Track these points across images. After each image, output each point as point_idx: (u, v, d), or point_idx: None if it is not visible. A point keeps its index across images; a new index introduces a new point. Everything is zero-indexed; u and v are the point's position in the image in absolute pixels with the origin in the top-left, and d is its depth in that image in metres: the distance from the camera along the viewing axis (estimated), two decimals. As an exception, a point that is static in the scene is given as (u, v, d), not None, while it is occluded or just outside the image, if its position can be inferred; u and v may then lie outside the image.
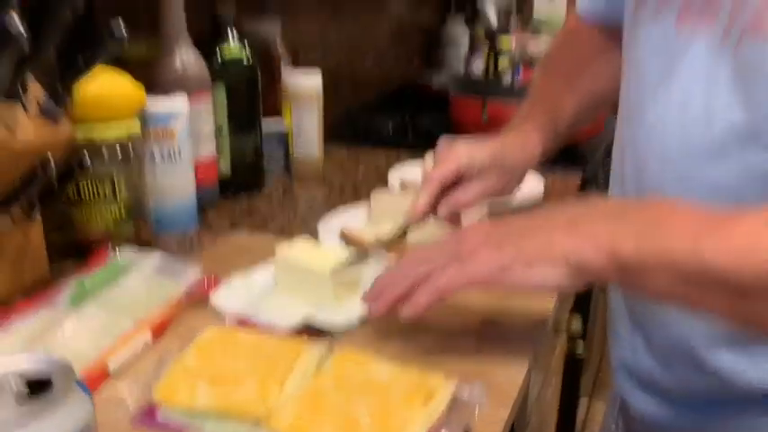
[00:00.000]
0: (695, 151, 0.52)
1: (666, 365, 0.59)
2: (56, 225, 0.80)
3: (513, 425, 0.67)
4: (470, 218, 0.75)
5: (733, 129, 0.49)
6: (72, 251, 0.76)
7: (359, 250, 0.70)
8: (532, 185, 1.01)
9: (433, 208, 0.69)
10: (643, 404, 0.63)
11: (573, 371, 1.26)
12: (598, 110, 0.82)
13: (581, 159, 1.17)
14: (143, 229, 0.78)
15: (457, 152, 0.70)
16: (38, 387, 0.31)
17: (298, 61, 1.25)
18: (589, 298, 1.27)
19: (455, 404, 0.48)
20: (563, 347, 1.17)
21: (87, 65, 0.61)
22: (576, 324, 0.99)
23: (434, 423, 0.46)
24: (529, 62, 1.87)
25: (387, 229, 0.77)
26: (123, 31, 0.60)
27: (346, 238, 0.78)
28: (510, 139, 0.73)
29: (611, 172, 0.66)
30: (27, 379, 0.32)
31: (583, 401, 1.44)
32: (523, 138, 0.74)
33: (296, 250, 0.66)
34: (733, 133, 0.49)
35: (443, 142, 0.73)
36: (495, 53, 1.95)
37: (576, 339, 1.17)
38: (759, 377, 0.53)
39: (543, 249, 0.48)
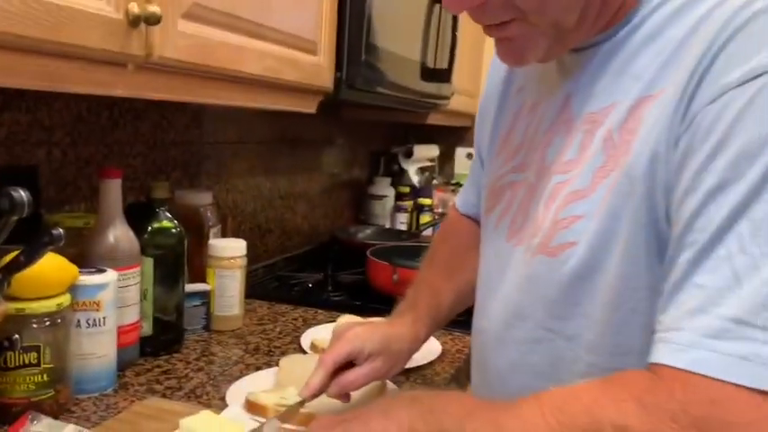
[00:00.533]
0: (519, 341, 0.66)
1: None
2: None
3: None
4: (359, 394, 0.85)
5: (538, 324, 0.65)
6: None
7: (264, 415, 0.79)
8: (432, 347, 1.13)
9: (325, 386, 0.78)
10: None
11: None
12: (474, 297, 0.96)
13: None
14: (62, 393, 0.85)
15: (350, 337, 0.81)
16: None
17: (226, 228, 1.37)
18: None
19: None
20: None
21: (28, 260, 0.72)
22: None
23: None
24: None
25: (290, 394, 0.87)
26: (61, 233, 0.71)
27: (250, 405, 0.87)
28: (396, 327, 0.85)
29: (471, 349, 0.79)
30: None
31: None
32: (408, 327, 0.86)
33: (200, 420, 0.74)
34: (540, 327, 0.65)
35: (341, 326, 0.85)
36: (417, 210, 2.14)
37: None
38: None
39: (363, 430, 0.60)
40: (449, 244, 0.96)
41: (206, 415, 0.76)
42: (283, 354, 1.10)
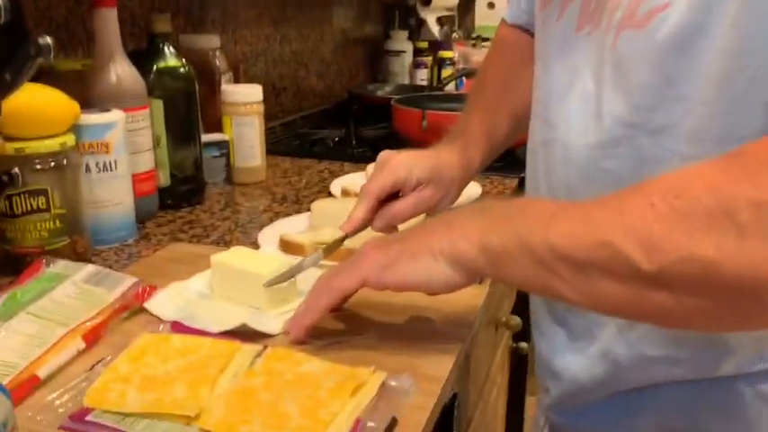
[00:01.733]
0: (593, 145, 0.56)
1: (578, 356, 0.62)
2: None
3: (451, 415, 0.69)
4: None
5: (618, 120, 0.54)
6: (6, 265, 0.75)
7: (301, 255, 0.72)
8: (471, 191, 1.04)
9: (369, 220, 0.69)
10: (558, 392, 0.65)
11: (518, 368, 1.29)
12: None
13: (518, 164, 1.21)
14: (79, 242, 0.78)
15: (395, 165, 0.70)
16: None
17: (239, 74, 1.26)
18: (527, 299, 1.31)
19: (383, 394, 0.49)
20: (508, 346, 1.20)
21: (14, 80, 0.61)
22: (515, 322, 1.02)
23: (362, 412, 0.47)
24: (471, 72, 1.91)
25: (326, 235, 0.79)
26: (50, 43, 0.60)
27: (285, 245, 0.79)
28: (447, 153, 0.75)
29: (527, 174, 0.69)
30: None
31: (531, 400, 1.47)
32: (460, 152, 0.76)
33: (233, 256, 0.67)
34: (620, 124, 0.54)
35: (383, 154, 0.74)
36: (437, 64, 2.00)
37: (519, 338, 1.20)
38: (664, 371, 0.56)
39: (423, 246, 0.52)
40: (500, 62, 0.84)
41: (239, 250, 0.68)
42: (312, 202, 1.02)
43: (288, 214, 0.96)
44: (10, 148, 0.71)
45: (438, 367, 0.55)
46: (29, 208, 0.73)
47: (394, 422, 0.47)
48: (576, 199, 0.57)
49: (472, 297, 0.67)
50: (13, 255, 0.75)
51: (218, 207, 1.00)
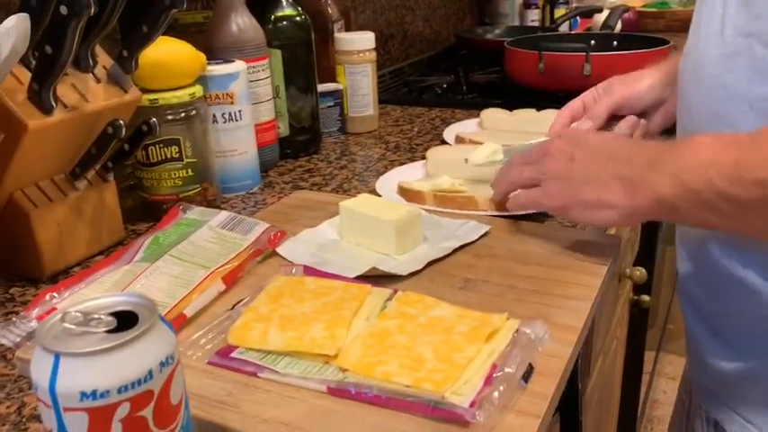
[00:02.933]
0: (715, 60, 0.53)
1: (715, 296, 0.59)
2: (128, 188, 0.84)
3: (576, 367, 0.68)
4: None
5: (739, 31, 0.52)
6: (144, 213, 0.80)
7: (420, 203, 0.72)
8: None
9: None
10: (705, 342, 0.62)
11: (639, 322, 1.24)
12: None
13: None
14: (209, 190, 0.81)
15: (584, 93, 0.77)
16: (125, 321, 0.34)
17: (350, 22, 1.25)
18: (654, 250, 1.25)
19: (518, 341, 0.49)
20: (628, 298, 1.16)
21: (151, 32, 0.64)
22: (640, 274, 0.98)
23: (497, 359, 0.47)
24: (588, 11, 1.81)
25: (444, 183, 0.78)
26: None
27: (403, 192, 0.79)
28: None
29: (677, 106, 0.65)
30: (115, 314, 0.35)
31: (649, 355, 1.43)
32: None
33: (361, 203, 0.67)
34: (740, 35, 0.52)
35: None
36: (550, 4, 1.90)
37: (640, 291, 1.15)
38: None
39: (601, 195, 0.56)
40: None
41: (366, 197, 0.69)
42: (426, 150, 1.01)
43: (402, 162, 0.96)
44: (144, 99, 0.74)
45: (572, 316, 0.53)
46: (163, 157, 0.76)
47: (531, 369, 0.47)
48: (703, 120, 0.55)
49: (603, 247, 0.64)
50: (150, 202, 0.79)
51: (334, 156, 1.01)
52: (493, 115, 1.08)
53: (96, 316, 0.34)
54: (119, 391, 0.32)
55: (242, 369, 0.48)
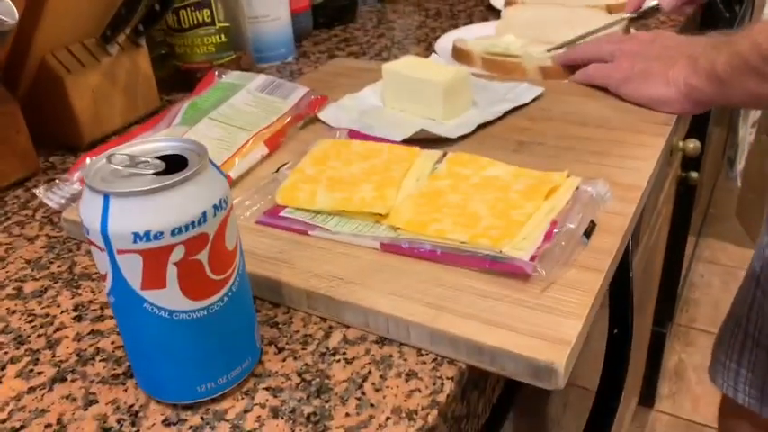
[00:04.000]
0: None
1: None
2: (160, 58, 0.81)
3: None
4: None
5: None
6: (178, 83, 0.77)
7: (468, 64, 0.68)
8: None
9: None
10: None
11: (685, 200, 1.21)
12: None
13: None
14: (243, 58, 0.78)
15: None
16: (174, 165, 0.32)
17: None
18: (705, 127, 1.19)
19: (579, 199, 0.46)
20: (676, 175, 1.12)
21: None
22: (694, 146, 0.94)
23: (557, 215, 0.44)
24: None
25: (502, 44, 0.74)
26: None
27: (456, 52, 0.75)
28: None
29: None
30: (163, 158, 0.33)
31: (689, 239, 1.40)
32: None
33: (405, 66, 0.63)
34: None
35: None
36: None
37: (688, 168, 1.11)
38: None
39: (664, 73, 0.59)
40: None
41: (410, 59, 0.65)
42: (470, 17, 0.95)
43: (444, 30, 0.90)
44: (173, -42, 0.69)
45: (634, 176, 0.51)
46: (195, 21, 0.73)
47: (593, 225, 0.44)
48: None
49: (661, 115, 0.60)
50: (184, 71, 0.76)
51: (371, 24, 0.96)
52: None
53: (144, 159, 0.33)
54: (173, 233, 0.31)
55: (292, 227, 0.47)
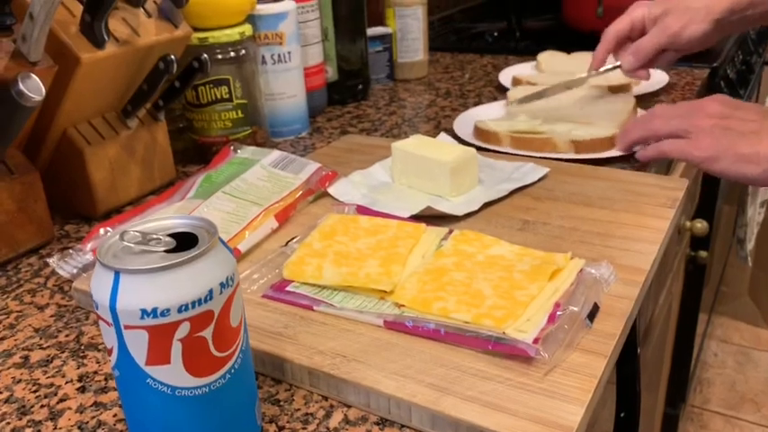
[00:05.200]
0: None
1: None
2: (178, 131, 0.84)
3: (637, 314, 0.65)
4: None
5: None
6: (194, 156, 0.79)
7: (495, 144, 0.72)
8: (659, 79, 0.95)
9: (606, 56, 0.77)
10: None
11: (694, 278, 1.20)
12: None
13: (709, 55, 1.08)
14: (259, 133, 0.80)
15: (633, 7, 0.75)
16: (184, 243, 0.33)
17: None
18: (713, 206, 1.20)
19: (582, 281, 0.47)
20: (685, 253, 1.12)
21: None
22: (702, 226, 0.94)
23: (561, 297, 0.45)
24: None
25: (522, 124, 0.76)
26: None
27: (479, 133, 0.77)
28: None
29: None
30: (174, 236, 0.34)
31: (701, 317, 1.39)
32: None
33: (414, 144, 0.65)
34: None
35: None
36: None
37: (698, 247, 1.11)
38: None
39: (758, 149, 0.58)
40: None
41: (419, 138, 0.67)
42: (478, 96, 0.98)
43: (454, 109, 0.93)
44: (194, 38, 0.73)
45: (638, 259, 0.51)
46: (213, 98, 0.75)
47: (596, 308, 0.45)
48: None
49: (668, 190, 0.61)
50: (201, 144, 0.79)
51: (383, 102, 0.99)
52: (551, 58, 1.04)
53: (155, 236, 0.34)
54: (179, 310, 0.31)
55: (298, 302, 0.47)
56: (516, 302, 0.44)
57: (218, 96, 0.75)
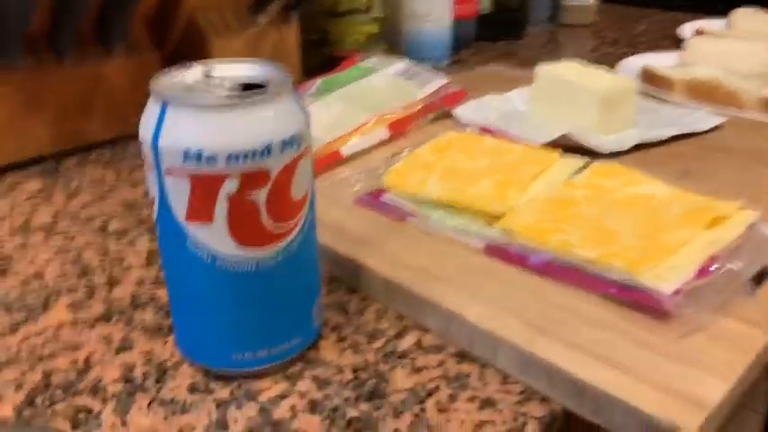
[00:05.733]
0: None
1: None
2: (311, 44, 0.79)
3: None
4: None
5: None
6: (324, 66, 0.75)
7: (668, 90, 0.60)
8: None
9: None
10: None
11: None
12: None
13: None
14: (393, 54, 0.74)
15: None
16: (252, 89, 0.28)
17: None
18: None
19: (751, 238, 0.36)
20: None
21: None
22: None
23: (720, 250, 0.35)
24: None
25: (701, 73, 0.64)
26: None
27: (648, 77, 0.66)
28: None
29: None
30: (242, 82, 0.28)
31: None
32: None
33: (563, 69, 0.56)
34: None
35: None
36: None
37: None
38: None
39: None
40: None
41: (570, 64, 0.57)
42: (652, 48, 0.85)
43: (620, 56, 0.81)
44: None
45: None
46: (351, 7, 0.70)
47: (764, 273, 0.34)
48: None
49: None
50: (332, 59, 0.74)
51: (538, 43, 0.89)
52: (747, 16, 0.88)
53: (219, 76, 0.28)
54: (228, 160, 0.26)
55: (390, 212, 0.41)
56: (660, 246, 0.34)
57: (356, 6, 0.70)
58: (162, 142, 0.26)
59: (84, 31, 0.54)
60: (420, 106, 0.54)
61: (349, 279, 0.37)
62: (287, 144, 0.27)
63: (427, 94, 0.55)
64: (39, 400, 0.30)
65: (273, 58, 0.66)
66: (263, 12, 0.64)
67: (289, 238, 0.29)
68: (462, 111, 0.56)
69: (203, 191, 0.27)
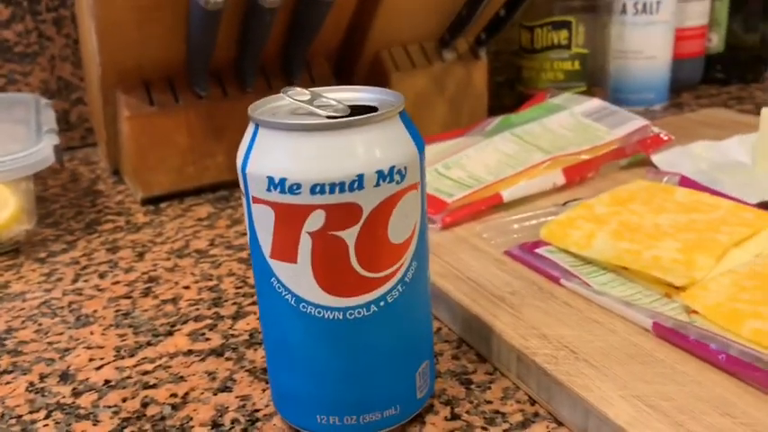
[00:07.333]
0: None
1: None
2: (506, 83, 0.75)
3: None
4: None
5: None
6: (516, 105, 0.70)
7: None
8: None
9: None
10: None
11: None
12: None
13: None
14: (597, 93, 0.66)
15: None
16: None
17: None
18: None
19: None
20: None
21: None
22: None
23: None
24: None
25: None
26: None
27: None
28: None
29: None
30: (351, 104, 0.25)
31: None
32: None
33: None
34: None
35: None
36: None
37: None
38: None
39: None
40: None
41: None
42: None
43: None
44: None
45: None
46: (550, 42, 0.65)
47: None
48: None
49: None
50: (526, 97, 0.69)
51: (783, 86, 0.75)
52: None
53: (326, 99, 0.25)
54: (312, 190, 0.22)
55: (543, 269, 0.34)
56: None
57: (555, 41, 0.64)
58: (249, 167, 0.24)
59: (267, 62, 0.55)
60: (606, 150, 0.47)
61: (478, 345, 0.32)
62: (384, 176, 0.23)
63: (618, 137, 0.48)
64: (127, 431, 0.28)
65: (459, 95, 0.62)
66: (450, 48, 0.61)
67: (384, 289, 0.24)
68: (663, 157, 0.47)
69: (287, 224, 0.23)
